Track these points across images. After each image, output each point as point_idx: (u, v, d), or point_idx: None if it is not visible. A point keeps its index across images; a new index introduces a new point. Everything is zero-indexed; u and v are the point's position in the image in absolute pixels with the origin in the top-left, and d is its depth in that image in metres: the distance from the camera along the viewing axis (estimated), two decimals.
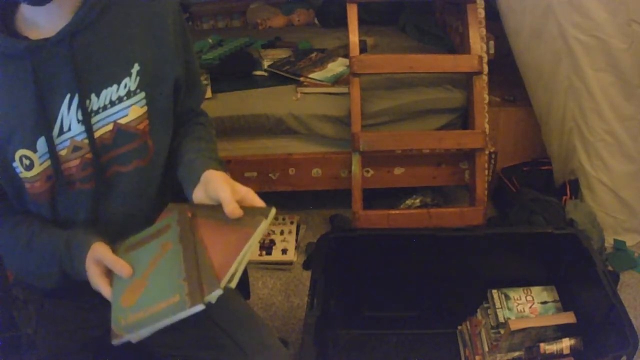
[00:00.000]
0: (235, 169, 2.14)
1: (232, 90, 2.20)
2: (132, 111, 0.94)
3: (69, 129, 0.92)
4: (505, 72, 2.26)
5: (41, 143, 0.90)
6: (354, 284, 1.66)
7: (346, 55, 2.21)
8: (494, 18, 2.11)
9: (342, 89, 2.14)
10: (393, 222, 2.00)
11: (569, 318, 1.46)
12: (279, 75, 2.30)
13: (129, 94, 0.94)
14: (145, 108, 0.96)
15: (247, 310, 1.13)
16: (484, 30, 2.01)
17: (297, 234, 2.23)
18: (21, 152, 0.90)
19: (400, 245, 1.64)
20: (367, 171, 2.11)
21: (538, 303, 1.56)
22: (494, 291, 1.59)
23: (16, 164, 0.91)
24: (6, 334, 1.11)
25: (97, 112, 0.93)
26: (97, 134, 0.93)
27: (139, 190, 1.00)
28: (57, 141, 0.91)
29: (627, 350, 1.20)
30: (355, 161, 1.99)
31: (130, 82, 0.94)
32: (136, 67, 0.94)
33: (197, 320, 1.05)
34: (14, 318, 1.16)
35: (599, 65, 1.92)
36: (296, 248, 2.18)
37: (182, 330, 1.06)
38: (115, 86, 0.93)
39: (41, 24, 0.89)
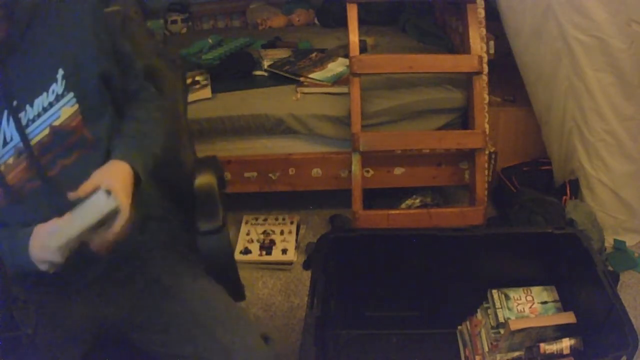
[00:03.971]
0: (235, 169, 2.14)
1: (232, 90, 2.20)
2: (63, 112, 1.03)
3: (12, 139, 1.00)
4: (505, 72, 2.26)
5: None
6: (354, 284, 1.66)
7: (346, 55, 2.21)
8: (494, 18, 2.11)
9: (342, 89, 2.14)
10: (393, 222, 2.00)
11: (569, 318, 1.46)
12: (279, 75, 2.30)
13: (58, 98, 1.03)
14: (77, 106, 1.04)
15: (230, 308, 1.15)
16: (484, 30, 2.01)
17: (297, 234, 2.23)
18: None
19: (400, 245, 1.64)
20: (367, 171, 2.11)
21: (538, 303, 1.56)
22: (494, 291, 1.59)
23: None
24: (6, 334, 1.11)
25: (33, 120, 1.01)
26: (37, 139, 1.02)
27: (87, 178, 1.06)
28: (2, 152, 1.00)
29: (627, 350, 1.20)
30: (355, 161, 1.99)
31: (57, 86, 1.03)
32: (60, 72, 1.03)
33: (178, 318, 1.09)
34: (14, 318, 1.16)
35: (599, 65, 1.92)
36: (296, 248, 2.18)
37: (166, 328, 1.10)
38: (44, 94, 1.02)
39: None
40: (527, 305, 1.55)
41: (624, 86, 1.94)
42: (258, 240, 2.19)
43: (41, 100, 1.02)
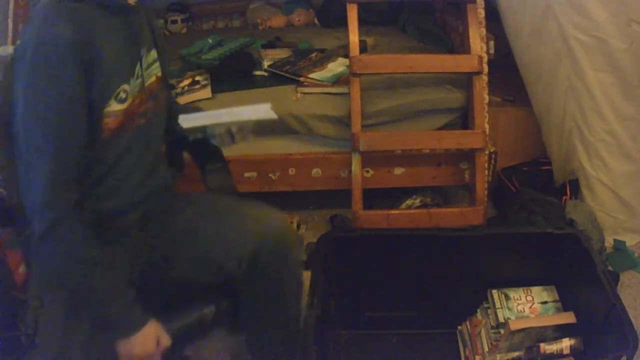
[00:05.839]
0: (235, 169, 2.13)
1: (232, 90, 2.20)
2: (158, 71, 1.23)
3: (141, 75, 1.16)
4: (505, 72, 2.26)
5: (132, 80, 1.12)
6: (354, 284, 1.66)
7: (346, 55, 2.21)
8: (494, 18, 2.11)
9: (342, 89, 2.14)
10: (393, 222, 2.00)
11: (569, 318, 1.46)
12: (279, 75, 2.30)
13: (156, 60, 1.23)
14: (160, 75, 1.24)
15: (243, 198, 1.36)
16: (484, 30, 2.01)
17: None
18: (122, 87, 1.09)
19: (400, 245, 1.64)
20: (367, 171, 2.11)
21: (538, 303, 1.56)
22: (494, 291, 1.59)
23: (110, 107, 1.08)
24: (6, 334, 1.12)
25: (149, 66, 1.20)
26: (148, 82, 1.19)
27: (161, 131, 1.28)
28: (135, 83, 1.14)
29: (627, 350, 1.20)
30: (355, 161, 1.99)
31: (154, 52, 1.22)
32: (154, 44, 1.23)
33: (200, 214, 1.30)
34: (14, 318, 1.16)
35: (599, 65, 1.92)
36: None
37: (192, 237, 1.27)
38: (153, 50, 1.22)
39: None
40: (527, 305, 1.55)
41: (624, 86, 1.94)
42: None
43: (152, 54, 1.21)
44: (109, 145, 1.11)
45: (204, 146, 1.40)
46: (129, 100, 1.11)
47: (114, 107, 1.08)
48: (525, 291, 1.58)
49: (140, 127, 1.17)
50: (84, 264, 1.02)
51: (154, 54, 1.22)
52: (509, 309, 1.54)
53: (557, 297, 1.56)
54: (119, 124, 1.10)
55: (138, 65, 1.14)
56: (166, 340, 1.10)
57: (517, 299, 1.56)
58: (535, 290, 1.59)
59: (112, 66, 1.06)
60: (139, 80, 1.15)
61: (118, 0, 1.09)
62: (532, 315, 1.53)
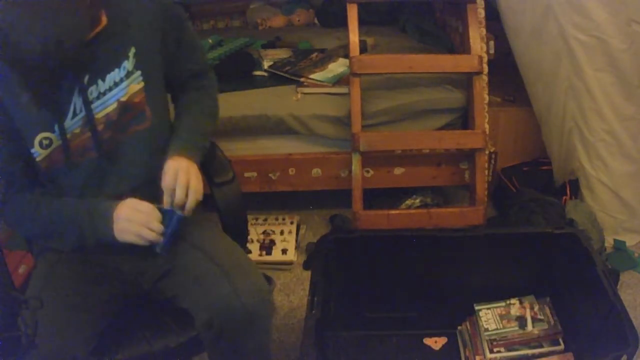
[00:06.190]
0: (236, 169, 2.13)
1: (232, 90, 2.20)
2: (131, 89, 1.13)
3: (81, 111, 1.10)
4: (505, 72, 2.26)
5: (57, 128, 1.09)
6: (354, 284, 1.65)
7: (346, 56, 2.21)
8: (494, 18, 2.11)
9: (342, 89, 2.14)
10: (393, 222, 2.00)
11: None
12: (279, 75, 2.30)
13: (128, 74, 1.12)
14: (142, 84, 1.14)
15: (240, 253, 1.25)
16: (484, 30, 2.01)
17: (297, 234, 2.23)
18: (41, 135, 1.08)
19: (400, 246, 1.64)
20: (367, 171, 2.11)
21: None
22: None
23: (34, 149, 1.08)
24: (6, 334, 1.12)
25: (104, 94, 1.11)
26: (105, 112, 1.11)
27: (140, 156, 1.17)
28: (72, 122, 1.10)
29: (627, 350, 1.20)
30: (355, 161, 1.99)
31: (128, 63, 1.12)
32: (132, 50, 1.12)
33: (197, 261, 1.20)
34: (14, 318, 1.16)
35: (599, 65, 1.92)
36: (296, 248, 2.18)
37: (186, 270, 1.20)
38: (117, 70, 1.11)
39: None
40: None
41: (624, 86, 1.94)
42: (258, 240, 2.19)
43: (113, 76, 1.11)
44: (57, 178, 1.14)
45: (212, 156, 1.37)
46: (55, 143, 1.09)
47: (40, 150, 1.09)
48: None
49: (95, 159, 1.14)
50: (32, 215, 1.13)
51: (118, 74, 1.11)
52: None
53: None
54: (52, 163, 1.11)
55: (75, 103, 1.08)
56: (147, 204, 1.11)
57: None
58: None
59: (21, 118, 1.06)
60: (80, 115, 1.10)
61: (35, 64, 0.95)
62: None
